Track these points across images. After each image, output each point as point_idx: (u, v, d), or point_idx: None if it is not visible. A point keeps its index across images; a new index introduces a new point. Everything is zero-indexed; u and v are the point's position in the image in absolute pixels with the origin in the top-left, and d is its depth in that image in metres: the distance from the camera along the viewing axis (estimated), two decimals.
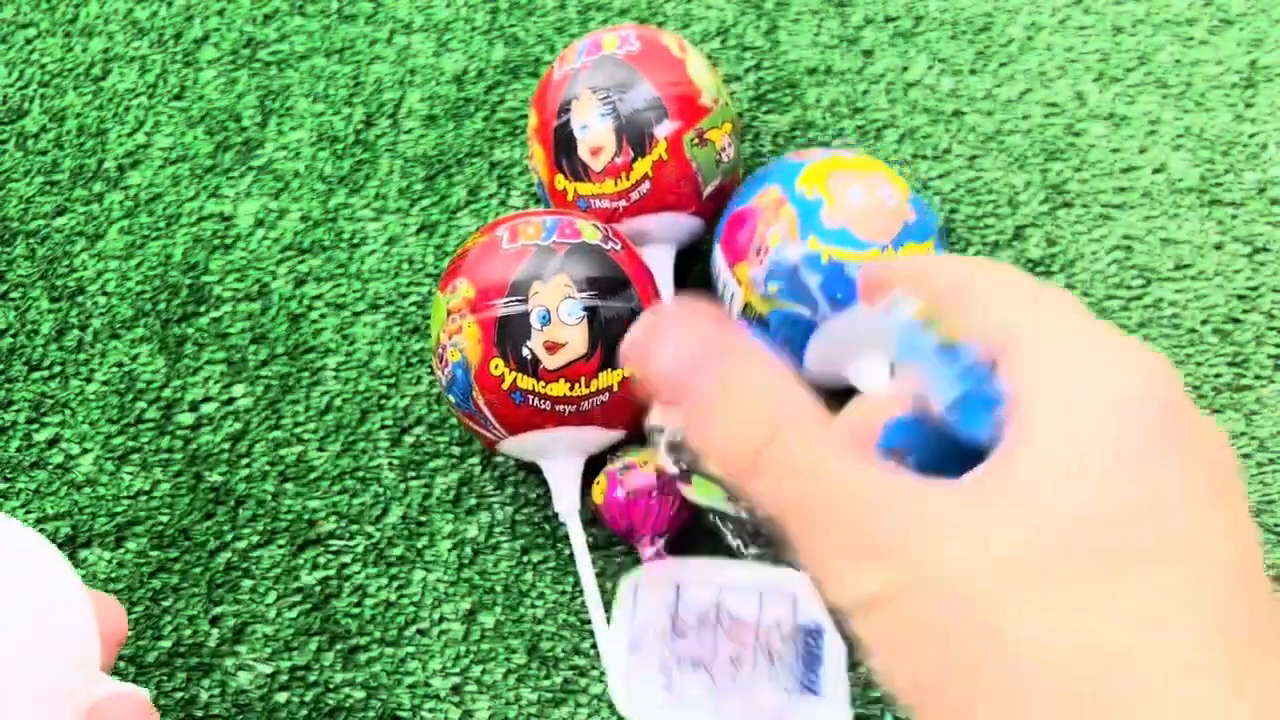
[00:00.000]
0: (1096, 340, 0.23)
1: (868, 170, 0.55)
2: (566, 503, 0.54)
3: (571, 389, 0.52)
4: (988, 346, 0.24)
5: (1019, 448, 0.22)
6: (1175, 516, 0.21)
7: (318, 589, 0.56)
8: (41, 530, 0.58)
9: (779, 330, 0.54)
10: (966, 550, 0.20)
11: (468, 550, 0.57)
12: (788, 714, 0.41)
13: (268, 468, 0.59)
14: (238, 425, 0.60)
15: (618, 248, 0.54)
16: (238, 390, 0.61)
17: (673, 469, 0.53)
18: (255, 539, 0.57)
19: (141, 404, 0.61)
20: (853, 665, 0.51)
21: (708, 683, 0.37)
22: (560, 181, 0.59)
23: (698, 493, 0.54)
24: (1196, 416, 0.23)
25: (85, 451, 0.60)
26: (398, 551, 0.57)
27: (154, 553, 0.57)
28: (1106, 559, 0.20)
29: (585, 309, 0.52)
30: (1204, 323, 0.61)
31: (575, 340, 0.51)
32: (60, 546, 0.58)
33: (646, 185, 0.57)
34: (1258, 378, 0.60)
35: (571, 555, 0.56)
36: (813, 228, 0.53)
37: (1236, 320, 0.61)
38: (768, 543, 0.53)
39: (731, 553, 0.55)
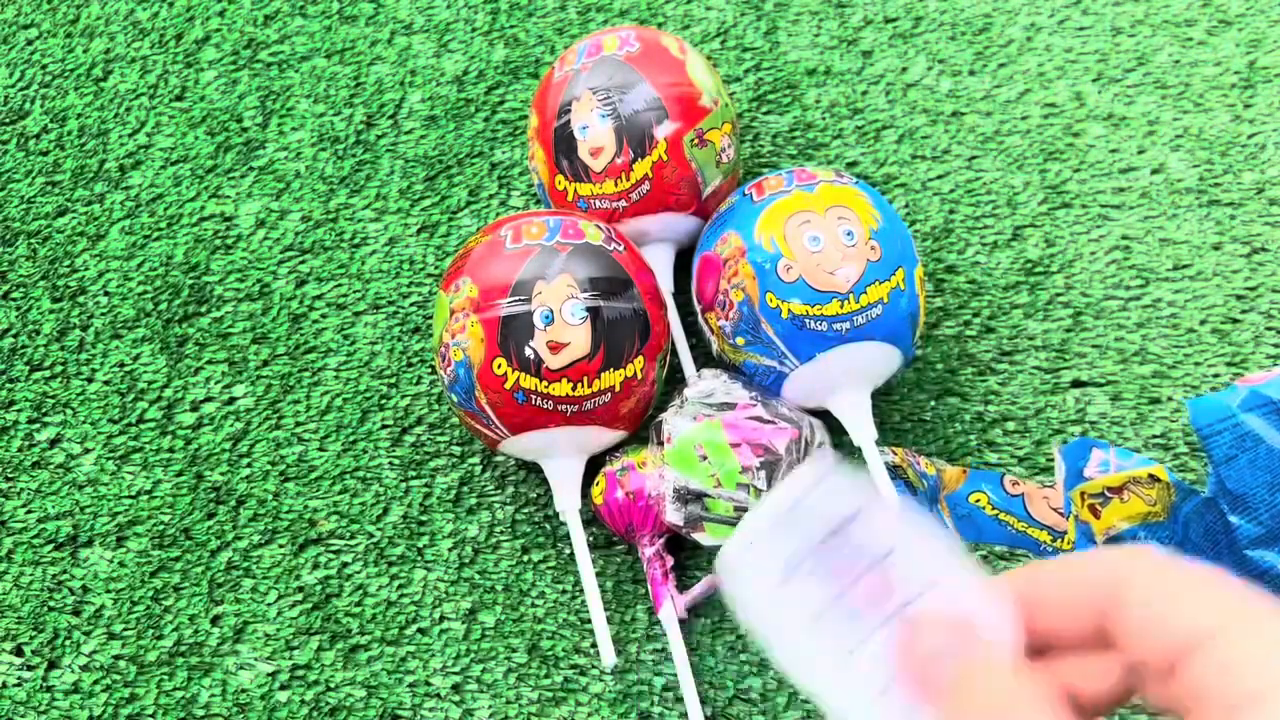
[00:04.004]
0: None
1: (829, 206, 0.54)
2: (567, 502, 0.54)
3: (574, 389, 0.52)
4: (1165, 652, 0.24)
5: None
6: None
7: (318, 588, 0.56)
8: (43, 530, 0.58)
9: (754, 377, 0.55)
10: None
11: (468, 550, 0.57)
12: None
13: (269, 467, 0.59)
14: (239, 425, 0.61)
15: (620, 248, 0.54)
16: (239, 390, 0.62)
17: (678, 520, 0.53)
18: (256, 538, 0.58)
19: (143, 404, 0.61)
20: None
21: (824, 600, 0.35)
22: (560, 182, 0.59)
23: (713, 537, 0.54)
24: None
25: (86, 451, 0.60)
26: (398, 551, 0.57)
27: (155, 552, 0.57)
28: None
29: (588, 309, 0.52)
30: (1202, 323, 0.61)
31: (578, 340, 0.51)
32: (61, 546, 0.58)
33: (646, 186, 0.58)
34: None
35: (572, 555, 0.56)
36: (770, 284, 0.53)
37: (1235, 320, 0.61)
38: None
39: None
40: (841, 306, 0.52)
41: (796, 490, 0.36)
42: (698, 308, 0.58)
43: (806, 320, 0.53)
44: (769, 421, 0.53)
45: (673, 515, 0.52)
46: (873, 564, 0.35)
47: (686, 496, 0.52)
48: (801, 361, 0.53)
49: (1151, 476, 0.52)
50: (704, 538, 0.53)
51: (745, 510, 0.52)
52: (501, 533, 0.57)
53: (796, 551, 0.37)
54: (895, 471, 0.56)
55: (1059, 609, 0.27)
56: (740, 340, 0.54)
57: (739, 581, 0.35)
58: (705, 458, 0.52)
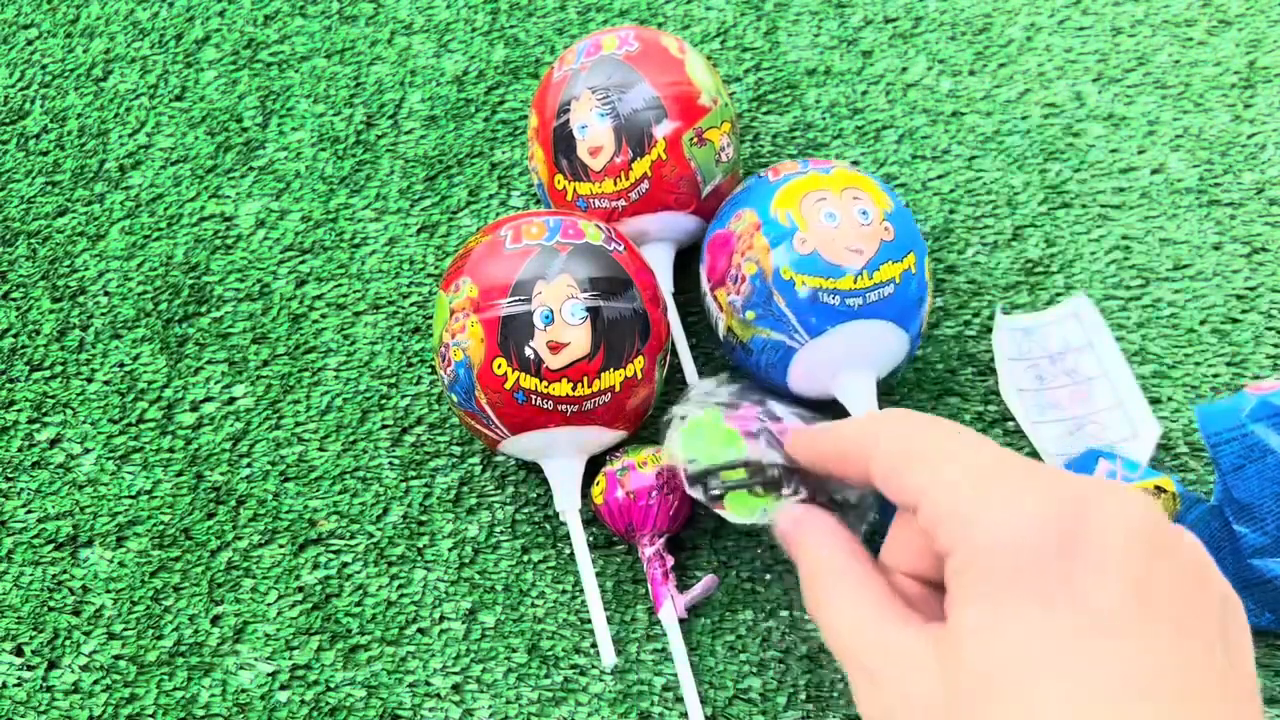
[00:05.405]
0: (994, 499, 0.31)
1: (844, 187, 0.54)
2: (567, 502, 0.54)
3: (574, 389, 0.52)
4: (904, 505, 0.32)
5: (954, 612, 0.31)
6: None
7: (318, 588, 0.56)
8: (43, 530, 0.58)
9: (761, 355, 0.55)
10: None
11: (468, 550, 0.57)
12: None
13: (269, 467, 0.59)
14: (239, 425, 0.61)
15: (620, 248, 0.54)
16: (239, 390, 0.62)
17: (701, 496, 0.53)
18: (256, 538, 0.58)
19: (143, 404, 0.61)
20: None
21: (1032, 384, 0.55)
22: (560, 181, 0.59)
23: (734, 512, 0.54)
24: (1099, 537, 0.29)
25: (87, 451, 0.60)
26: (398, 551, 0.57)
27: (155, 552, 0.57)
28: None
29: (588, 309, 0.52)
30: (1202, 323, 0.61)
31: (578, 340, 0.51)
32: (61, 546, 0.58)
33: (645, 185, 0.58)
34: (1256, 378, 0.60)
35: (572, 555, 0.56)
36: (785, 256, 0.53)
37: (1235, 320, 0.61)
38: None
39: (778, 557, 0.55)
40: (855, 282, 0.52)
41: (1061, 311, 0.58)
42: (705, 287, 0.57)
43: (819, 294, 0.52)
44: (776, 419, 0.53)
45: (693, 493, 0.51)
46: (1078, 381, 0.57)
47: (700, 475, 0.51)
48: (811, 336, 0.53)
49: (1158, 488, 0.52)
50: (726, 512, 0.51)
51: (757, 465, 0.50)
52: (501, 533, 0.57)
53: (1030, 351, 0.58)
54: None
55: (838, 469, 0.36)
56: (750, 314, 0.54)
57: (997, 345, 0.59)
58: (711, 438, 0.51)
